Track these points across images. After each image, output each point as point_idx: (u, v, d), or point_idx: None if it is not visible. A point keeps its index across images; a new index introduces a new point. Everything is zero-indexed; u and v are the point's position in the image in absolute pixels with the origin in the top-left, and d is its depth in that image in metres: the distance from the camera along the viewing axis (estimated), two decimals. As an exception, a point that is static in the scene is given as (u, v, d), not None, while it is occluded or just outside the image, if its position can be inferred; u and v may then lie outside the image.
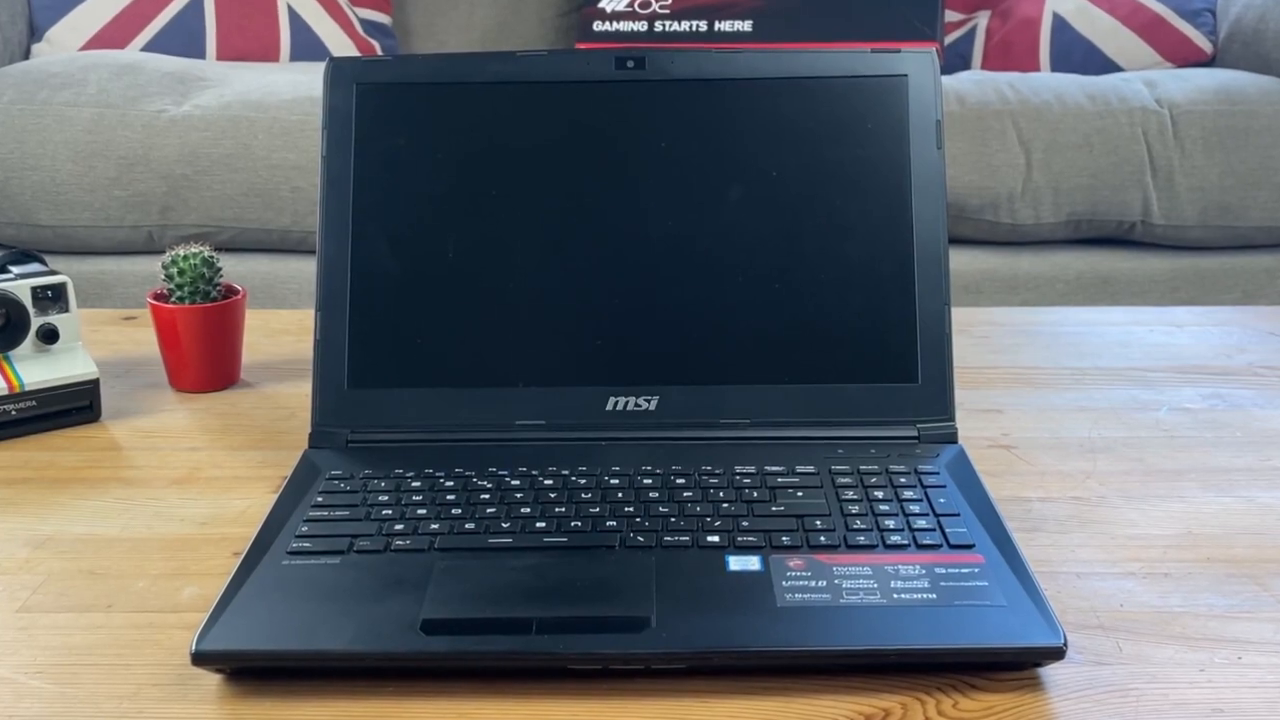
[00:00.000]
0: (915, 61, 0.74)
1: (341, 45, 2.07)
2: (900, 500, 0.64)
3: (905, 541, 0.60)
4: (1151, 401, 0.85)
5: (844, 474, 0.67)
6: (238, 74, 1.87)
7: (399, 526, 0.62)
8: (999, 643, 0.54)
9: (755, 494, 0.65)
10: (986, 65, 2.07)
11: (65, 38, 2.02)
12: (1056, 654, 0.53)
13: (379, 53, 2.08)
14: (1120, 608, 0.60)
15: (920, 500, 0.64)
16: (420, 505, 0.64)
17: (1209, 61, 2.06)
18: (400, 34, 2.19)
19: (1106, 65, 2.03)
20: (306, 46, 2.07)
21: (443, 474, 0.67)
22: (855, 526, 0.62)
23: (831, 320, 0.73)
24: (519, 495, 0.65)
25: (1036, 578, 0.58)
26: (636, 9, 2.03)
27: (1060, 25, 2.05)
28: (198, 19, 2.04)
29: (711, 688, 0.53)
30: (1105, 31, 2.05)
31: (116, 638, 0.58)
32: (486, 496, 0.65)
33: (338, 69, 0.76)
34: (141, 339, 0.97)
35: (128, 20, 2.03)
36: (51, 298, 0.82)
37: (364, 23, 2.12)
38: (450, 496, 0.65)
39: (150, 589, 0.62)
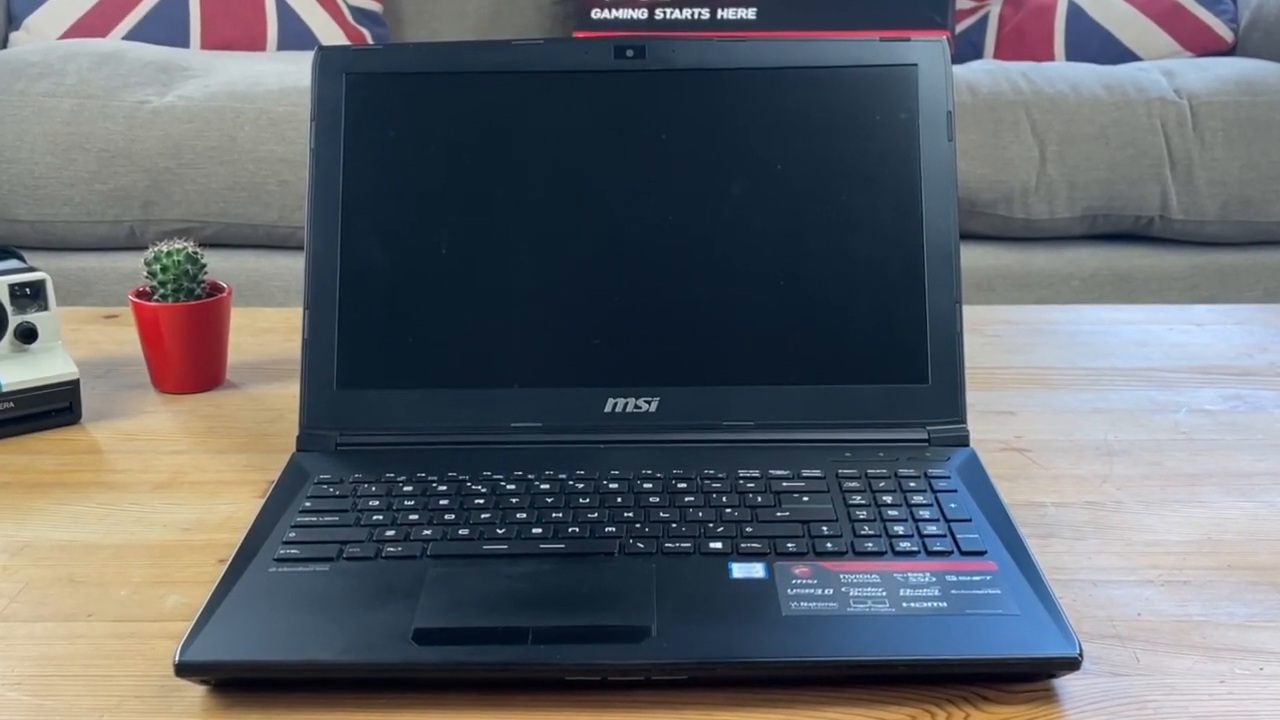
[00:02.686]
0: (925, 50, 0.73)
1: (331, 34, 2.06)
2: (909, 505, 0.63)
3: (915, 548, 0.60)
4: (1170, 403, 0.84)
5: (851, 478, 0.66)
6: (223, 64, 1.85)
7: (390, 532, 0.61)
8: (1012, 653, 0.53)
9: (759, 499, 0.64)
10: (999, 54, 2.06)
11: (44, 25, 2.00)
12: (1072, 664, 0.52)
13: (369, 41, 2.06)
14: (1138, 617, 0.59)
15: (930, 505, 0.63)
16: (412, 510, 0.63)
17: (1229, 50, 2.04)
18: (391, 22, 2.18)
19: (1123, 54, 2.02)
20: (294, 35, 2.05)
21: (435, 478, 0.66)
22: (863, 532, 0.61)
23: (838, 319, 0.72)
24: (515, 500, 0.64)
25: (1051, 586, 0.57)
26: (636, -4, 2.01)
27: (1075, 13, 2.04)
28: (182, 6, 2.02)
29: (714, 699, 0.52)
30: (1122, 19, 2.03)
31: (97, 648, 0.57)
32: (481, 501, 0.64)
33: (327, 58, 0.75)
34: (123, 338, 0.96)
35: (109, 8, 2.01)
36: (30, 295, 0.80)
37: (354, 10, 2.10)
38: (443, 501, 0.64)
39: (132, 597, 0.61)
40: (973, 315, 0.97)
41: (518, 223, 0.73)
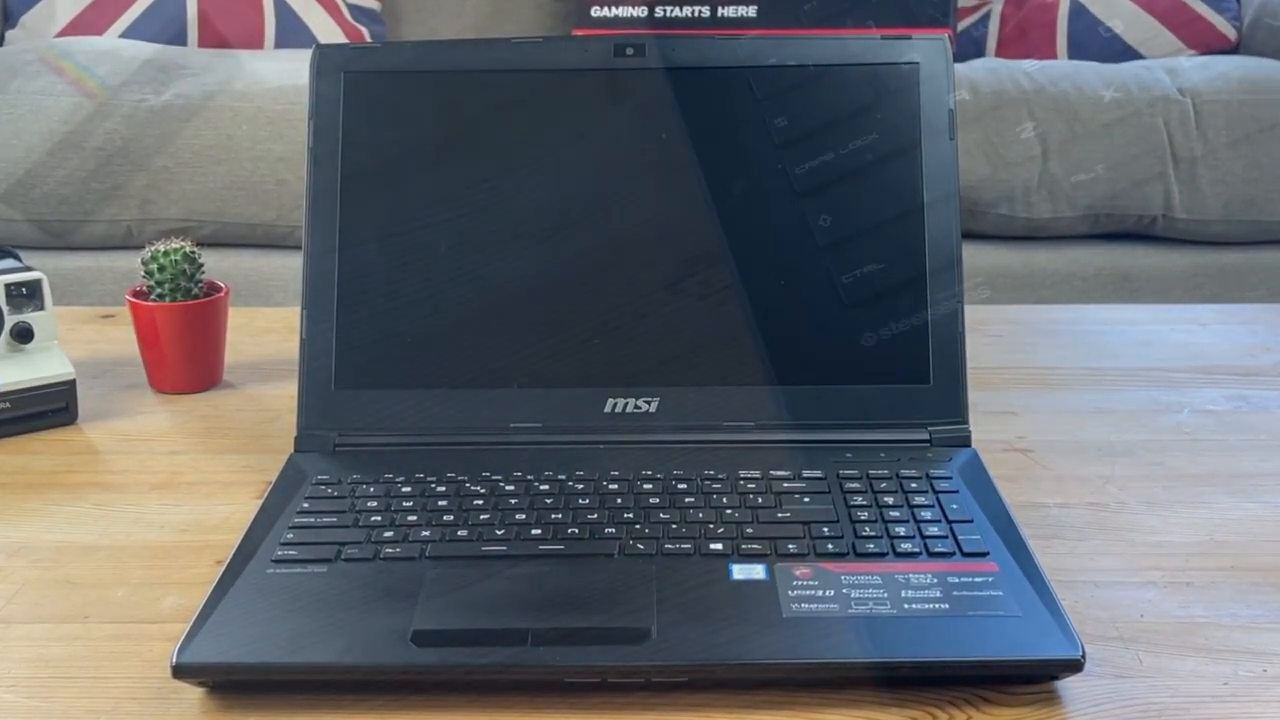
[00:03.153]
0: (927, 48, 0.73)
1: (329, 32, 2.05)
2: (911, 506, 0.63)
3: (916, 549, 0.59)
4: (1173, 403, 0.84)
5: (853, 479, 0.66)
6: (221, 62, 1.84)
7: (389, 533, 0.61)
8: (1014, 655, 0.53)
9: (760, 500, 0.64)
10: (1001, 52, 2.05)
11: (41, 24, 2.00)
12: (1074, 666, 0.52)
13: (368, 40, 2.06)
14: (1140, 618, 0.59)
15: (932, 506, 0.63)
16: (411, 511, 0.63)
17: (1233, 48, 2.04)
18: (390, 20, 2.17)
19: (1126, 52, 2.01)
20: (292, 33, 2.05)
21: (434, 479, 0.66)
22: (864, 534, 0.61)
23: (839, 319, 0.71)
24: (514, 501, 0.64)
25: (1053, 587, 0.57)
26: (636, -7, 2.00)
27: (1078, 10, 2.03)
28: (179, 4, 2.01)
29: (714, 701, 0.52)
30: (1125, 17, 2.03)
31: (94, 650, 0.57)
32: (480, 502, 0.64)
33: (325, 57, 0.74)
34: (120, 338, 0.95)
35: (106, 5, 2.00)
36: (26, 295, 0.80)
37: (352, 8, 2.10)
38: (442, 502, 0.64)
39: (129, 599, 0.61)
40: (974, 315, 0.96)
41: (517, 222, 0.73)
